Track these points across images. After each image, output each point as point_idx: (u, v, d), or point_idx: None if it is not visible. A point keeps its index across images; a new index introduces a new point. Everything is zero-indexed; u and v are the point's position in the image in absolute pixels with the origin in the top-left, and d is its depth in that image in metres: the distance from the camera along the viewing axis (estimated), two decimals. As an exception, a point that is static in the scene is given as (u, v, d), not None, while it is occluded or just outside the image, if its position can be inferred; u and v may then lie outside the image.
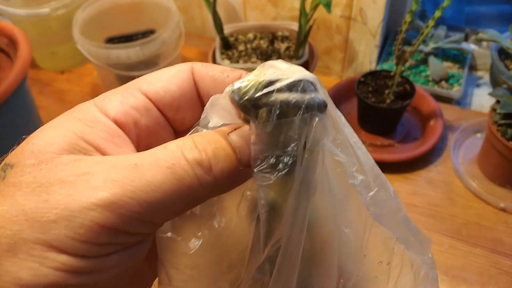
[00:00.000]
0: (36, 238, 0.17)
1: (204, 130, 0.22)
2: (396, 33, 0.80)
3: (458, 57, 0.89)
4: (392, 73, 0.73)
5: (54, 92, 0.90)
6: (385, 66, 0.89)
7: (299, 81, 0.20)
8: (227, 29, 0.85)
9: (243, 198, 0.22)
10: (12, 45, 0.68)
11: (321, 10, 0.72)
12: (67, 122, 0.21)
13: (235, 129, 0.21)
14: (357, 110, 0.78)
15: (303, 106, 0.20)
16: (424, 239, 0.24)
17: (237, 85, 0.20)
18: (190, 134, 0.22)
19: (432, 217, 0.66)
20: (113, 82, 0.85)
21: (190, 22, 1.00)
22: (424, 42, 0.90)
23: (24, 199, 0.18)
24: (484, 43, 0.90)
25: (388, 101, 0.73)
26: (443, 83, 0.85)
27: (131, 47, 0.75)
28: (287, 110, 0.20)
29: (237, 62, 0.80)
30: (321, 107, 0.20)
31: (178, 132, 0.24)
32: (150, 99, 0.22)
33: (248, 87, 0.20)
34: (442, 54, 0.90)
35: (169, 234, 0.22)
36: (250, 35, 0.86)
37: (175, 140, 0.20)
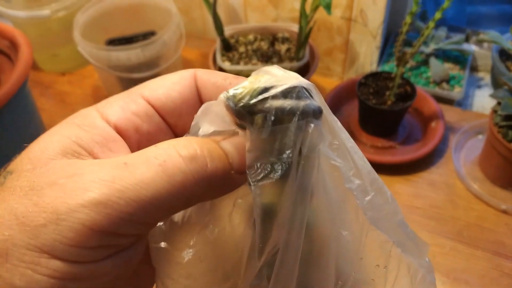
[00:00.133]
0: (27, 243, 0.17)
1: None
2: (396, 34, 0.80)
3: (459, 58, 0.89)
4: (393, 75, 0.73)
5: (55, 94, 0.90)
6: (386, 67, 0.89)
7: (294, 87, 0.20)
8: (228, 30, 0.85)
9: (235, 207, 0.22)
10: (13, 47, 0.68)
11: (321, 12, 0.72)
12: (64, 128, 0.21)
13: (226, 138, 0.21)
14: (358, 111, 0.78)
15: (298, 112, 0.20)
16: (421, 243, 0.24)
17: (232, 91, 0.20)
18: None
19: (434, 219, 0.66)
20: (114, 84, 0.85)
21: (190, 23, 1.00)
22: (425, 43, 0.90)
23: (17, 202, 0.18)
24: (485, 44, 0.90)
25: (389, 102, 0.73)
26: (444, 84, 0.85)
27: (132, 49, 0.75)
28: (282, 116, 0.20)
29: (238, 63, 0.80)
30: (317, 114, 0.20)
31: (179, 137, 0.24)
32: (152, 105, 0.23)
33: (243, 93, 0.20)
34: (443, 55, 0.90)
35: (162, 244, 0.22)
36: (251, 37, 0.86)
37: (168, 140, 0.20)
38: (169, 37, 0.78)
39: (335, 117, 0.22)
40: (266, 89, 0.20)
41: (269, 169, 0.20)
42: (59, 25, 0.87)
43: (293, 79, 0.20)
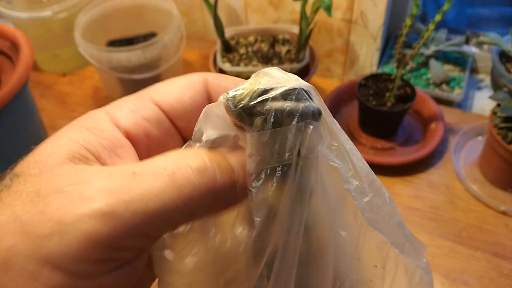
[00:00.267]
0: (31, 252, 0.17)
1: (198, 144, 0.22)
2: (397, 36, 0.80)
3: (459, 60, 0.89)
4: (393, 76, 0.73)
5: (56, 94, 0.90)
6: (386, 69, 0.89)
7: (294, 89, 0.20)
8: (228, 32, 0.85)
9: (238, 214, 0.22)
10: (14, 48, 0.68)
11: (322, 13, 0.73)
12: (72, 131, 0.21)
13: (231, 152, 0.21)
14: (358, 113, 0.78)
15: (298, 114, 0.20)
16: (419, 244, 0.24)
17: (232, 93, 0.20)
18: (184, 148, 0.22)
19: (433, 220, 0.66)
20: (114, 85, 0.85)
21: (191, 25, 1.00)
22: (425, 45, 0.90)
23: (22, 209, 0.18)
24: (485, 46, 0.90)
25: (389, 104, 0.73)
26: (444, 86, 0.85)
27: (133, 50, 0.75)
28: (281, 118, 0.20)
29: (238, 65, 0.81)
30: (316, 115, 0.20)
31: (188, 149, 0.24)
32: (162, 110, 0.22)
33: (243, 95, 0.20)
34: (443, 57, 0.90)
35: (164, 252, 0.22)
36: (251, 38, 0.86)
37: (176, 149, 0.20)
38: (170, 38, 0.78)
39: (334, 119, 0.22)
40: (265, 91, 0.20)
41: (269, 172, 0.20)
42: (60, 26, 0.87)
43: (293, 81, 0.20)
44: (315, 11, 0.72)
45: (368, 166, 0.22)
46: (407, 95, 0.73)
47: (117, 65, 0.77)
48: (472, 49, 0.91)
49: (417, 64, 0.90)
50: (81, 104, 0.87)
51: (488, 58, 0.87)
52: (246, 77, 0.22)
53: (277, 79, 0.20)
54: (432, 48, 0.89)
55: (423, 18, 0.93)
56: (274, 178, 0.20)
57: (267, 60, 0.81)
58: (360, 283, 0.24)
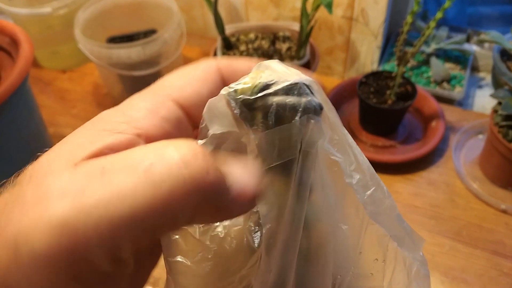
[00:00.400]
0: None
1: (203, 141, 0.21)
2: (397, 33, 0.80)
3: (460, 58, 0.89)
4: (393, 74, 0.73)
5: (55, 91, 0.90)
6: (387, 67, 0.89)
7: (296, 84, 0.20)
8: (229, 29, 0.85)
9: (251, 215, 0.22)
10: (14, 44, 0.68)
11: (322, 11, 0.73)
12: (80, 135, 0.18)
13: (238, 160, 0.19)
14: (358, 110, 0.78)
15: (300, 109, 0.19)
16: (417, 237, 0.24)
17: (233, 87, 0.20)
18: None
19: (433, 218, 0.66)
20: (114, 82, 0.85)
21: (191, 22, 1.00)
22: (426, 43, 0.90)
23: None
24: (486, 44, 0.90)
25: (389, 102, 0.73)
26: (444, 84, 0.85)
27: (133, 47, 0.75)
28: (283, 113, 0.19)
29: (239, 62, 0.80)
30: (317, 110, 0.20)
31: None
32: (181, 107, 0.20)
33: (244, 89, 0.20)
34: (444, 55, 0.90)
35: (178, 258, 0.22)
36: (252, 35, 0.86)
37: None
38: (170, 35, 0.78)
39: (336, 112, 0.22)
40: (267, 85, 0.20)
41: (274, 170, 0.20)
42: (60, 22, 0.87)
43: (294, 75, 0.20)
44: (316, 8, 0.72)
45: (368, 160, 0.22)
46: (408, 93, 0.73)
47: (117, 62, 0.77)
48: (473, 47, 0.91)
49: (418, 62, 0.90)
50: (81, 100, 0.87)
51: (489, 56, 0.87)
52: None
53: (278, 73, 0.20)
54: (433, 46, 0.89)
55: (424, 16, 0.92)
56: (277, 174, 0.20)
57: (267, 57, 0.81)
58: (361, 276, 0.24)
